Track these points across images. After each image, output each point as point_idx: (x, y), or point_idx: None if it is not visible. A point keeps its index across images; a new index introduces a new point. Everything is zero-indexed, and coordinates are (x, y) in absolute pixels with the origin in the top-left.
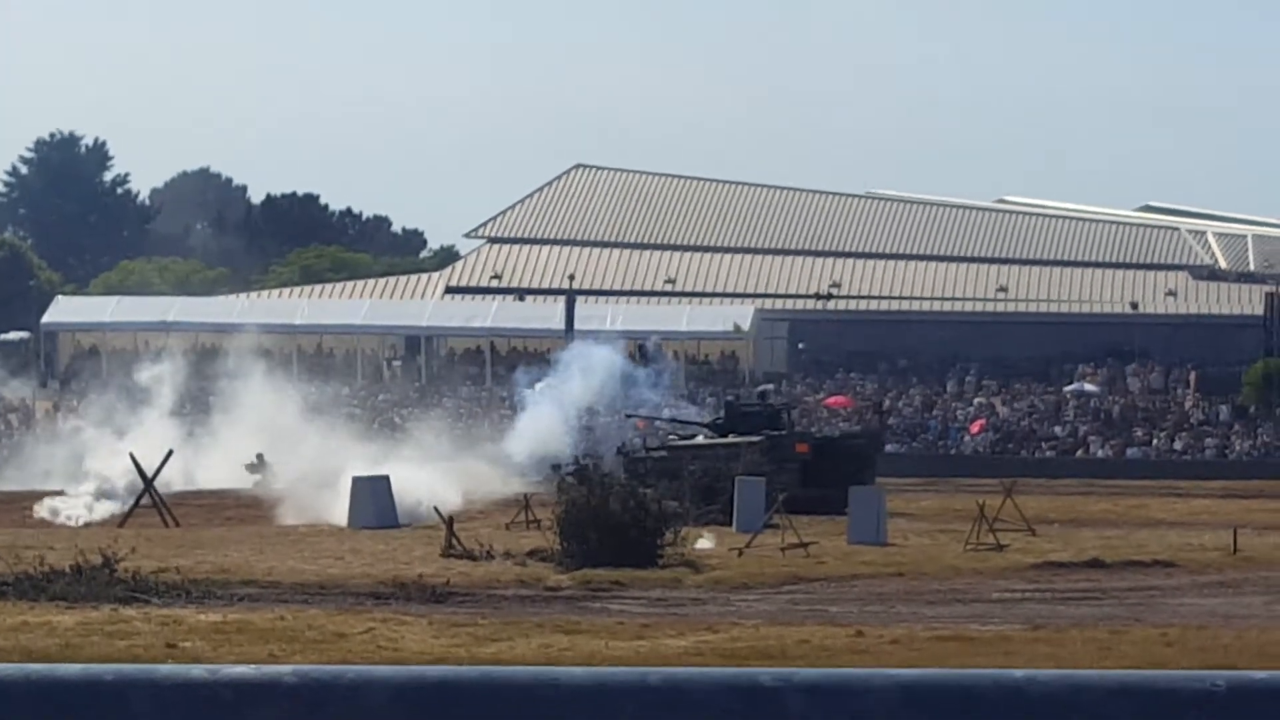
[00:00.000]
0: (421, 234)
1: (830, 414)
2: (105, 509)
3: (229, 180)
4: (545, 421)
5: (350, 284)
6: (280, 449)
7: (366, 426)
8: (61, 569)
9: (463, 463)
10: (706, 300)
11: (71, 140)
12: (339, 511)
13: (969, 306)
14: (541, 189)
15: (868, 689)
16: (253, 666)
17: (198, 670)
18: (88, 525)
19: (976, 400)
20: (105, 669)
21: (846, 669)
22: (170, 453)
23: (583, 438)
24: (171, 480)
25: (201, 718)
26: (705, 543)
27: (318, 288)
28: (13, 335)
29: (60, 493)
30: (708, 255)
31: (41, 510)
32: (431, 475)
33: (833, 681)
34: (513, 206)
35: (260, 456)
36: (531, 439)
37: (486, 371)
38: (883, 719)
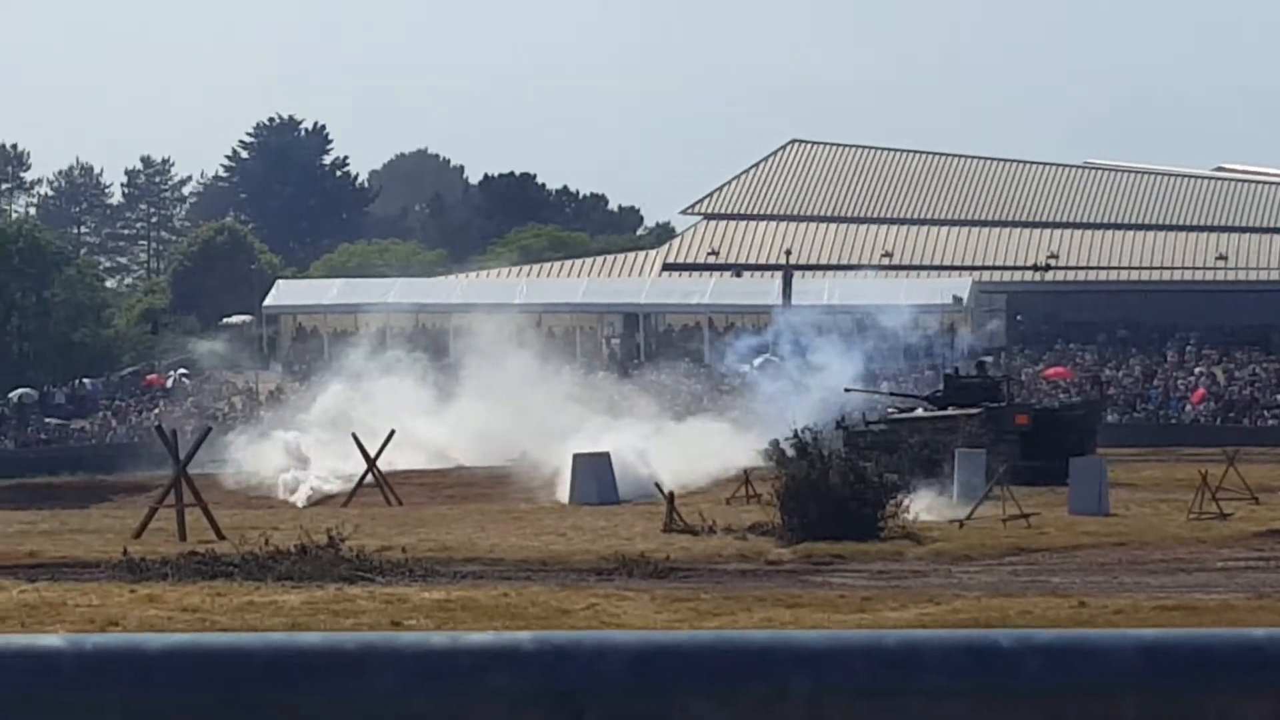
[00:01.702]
0: (638, 211)
1: (1050, 385)
2: (329, 486)
3: (447, 161)
4: (778, 395)
5: (568, 262)
6: (505, 425)
7: (587, 403)
8: (287, 549)
9: (681, 437)
10: (923, 273)
11: (291, 124)
12: (560, 488)
13: (1188, 275)
14: (757, 164)
15: (1106, 650)
16: (492, 633)
17: (438, 638)
18: (311, 505)
19: (1197, 369)
20: (346, 637)
21: (1084, 630)
22: (392, 433)
23: (813, 411)
24: (394, 459)
25: (441, 684)
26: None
27: (536, 267)
28: (235, 319)
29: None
30: (924, 228)
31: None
32: (651, 451)
33: (1070, 643)
34: (728, 182)
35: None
36: (763, 412)
37: (705, 347)
38: (1122, 680)
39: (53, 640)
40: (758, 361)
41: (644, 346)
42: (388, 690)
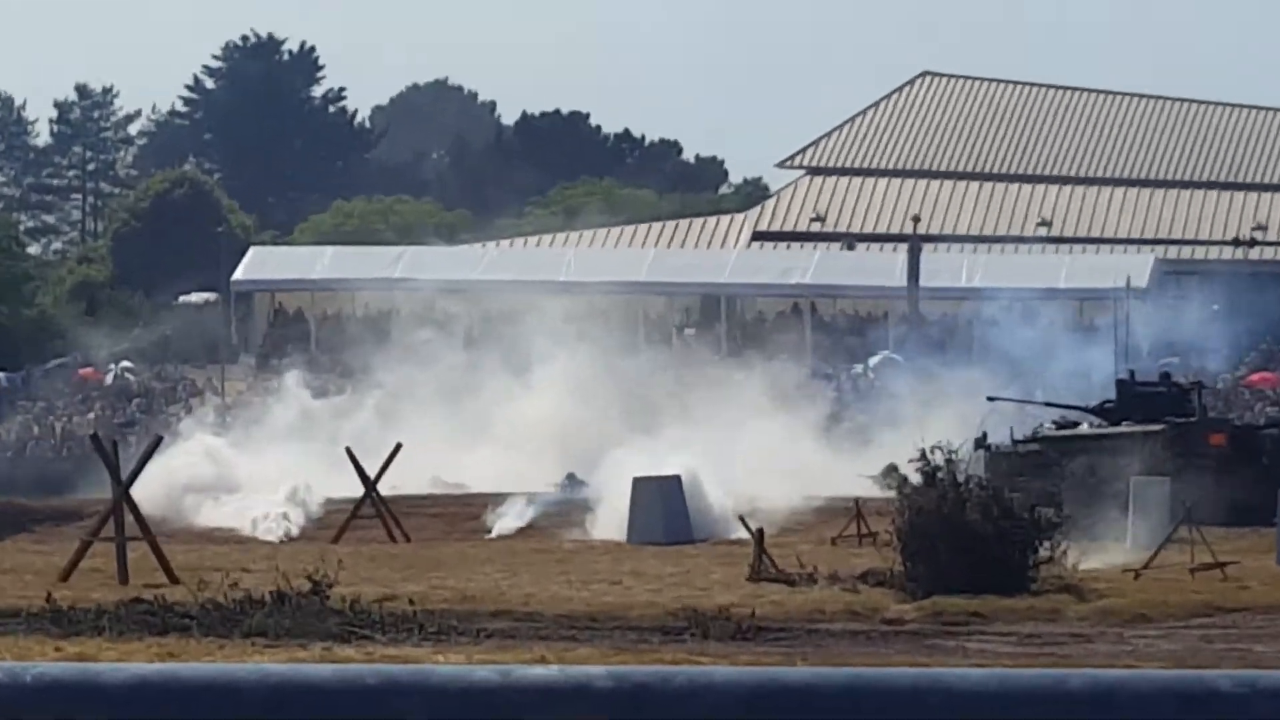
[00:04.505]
0: (721, 163)
1: (1253, 395)
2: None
3: (473, 95)
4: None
5: (629, 228)
6: (546, 440)
7: (653, 413)
8: (259, 596)
9: (776, 458)
10: (1091, 248)
11: (271, 45)
12: (616, 523)
13: None
14: (877, 104)
15: None
16: (556, 668)
17: (484, 672)
18: (290, 539)
19: None
20: (366, 669)
21: None
22: (398, 447)
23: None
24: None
25: None
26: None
27: (587, 234)
28: (195, 297)
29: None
30: (1093, 190)
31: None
32: (735, 475)
33: None
34: (840, 127)
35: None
36: (882, 425)
37: (805, 339)
38: None
39: None
40: (874, 360)
41: (728, 338)
42: None
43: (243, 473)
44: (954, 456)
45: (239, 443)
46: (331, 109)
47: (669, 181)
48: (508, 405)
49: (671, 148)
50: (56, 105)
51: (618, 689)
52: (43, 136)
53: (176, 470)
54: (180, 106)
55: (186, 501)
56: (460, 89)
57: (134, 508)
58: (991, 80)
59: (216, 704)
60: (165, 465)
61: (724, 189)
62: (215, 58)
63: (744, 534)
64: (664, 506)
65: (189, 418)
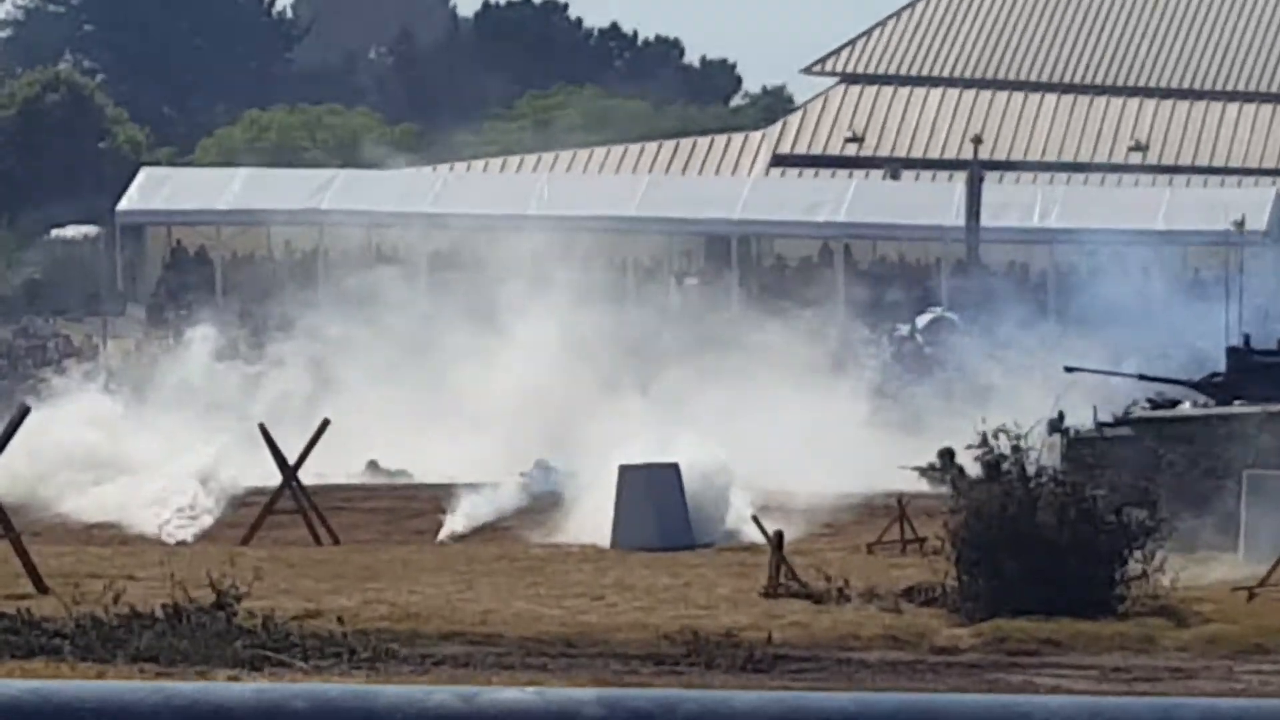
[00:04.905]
0: (733, 68)
1: None
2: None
3: None
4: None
5: (618, 149)
6: (509, 419)
7: (645, 383)
8: (149, 611)
9: (796, 440)
10: (1198, 179)
11: None
12: (597, 522)
13: None
14: None
15: None
16: (531, 690)
17: (442, 695)
18: (189, 541)
19: None
20: (295, 690)
21: None
22: (325, 423)
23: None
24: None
25: None
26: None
27: (564, 155)
28: (71, 231)
29: None
30: (1200, 105)
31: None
32: (745, 462)
33: None
34: (882, 24)
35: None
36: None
37: (837, 289)
38: None
39: None
40: (923, 319)
41: (740, 287)
42: None
43: (131, 452)
44: (1022, 443)
45: (124, 416)
46: None
47: (668, 90)
48: (464, 372)
49: (671, 48)
50: None
51: (610, 718)
52: None
53: (51, 440)
54: None
55: (57, 483)
56: None
57: None
58: None
59: None
60: (36, 432)
61: (737, 100)
62: None
63: (758, 538)
64: (657, 502)
65: (62, 381)
